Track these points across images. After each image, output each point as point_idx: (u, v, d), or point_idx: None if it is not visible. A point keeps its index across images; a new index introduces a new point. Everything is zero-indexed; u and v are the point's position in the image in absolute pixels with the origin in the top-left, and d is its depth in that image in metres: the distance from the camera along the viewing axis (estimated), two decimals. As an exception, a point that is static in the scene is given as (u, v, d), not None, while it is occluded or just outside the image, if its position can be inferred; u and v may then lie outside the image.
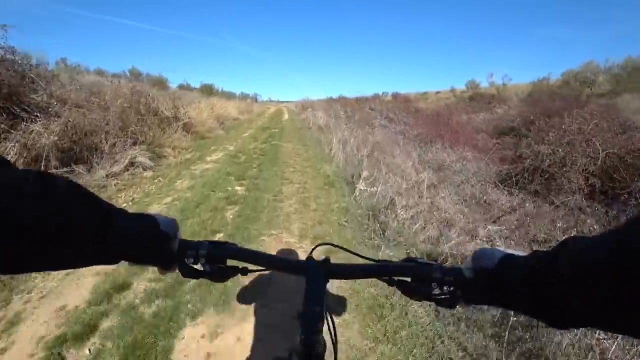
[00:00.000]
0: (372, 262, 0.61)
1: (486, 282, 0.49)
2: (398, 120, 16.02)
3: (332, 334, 0.57)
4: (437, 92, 50.57)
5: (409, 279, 0.57)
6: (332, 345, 0.57)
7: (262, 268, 0.61)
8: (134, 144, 6.62)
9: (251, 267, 0.61)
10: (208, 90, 35.46)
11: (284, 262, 0.61)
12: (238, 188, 4.67)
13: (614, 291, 0.29)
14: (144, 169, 6.16)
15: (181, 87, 39.66)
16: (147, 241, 0.51)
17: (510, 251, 0.49)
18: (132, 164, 6.17)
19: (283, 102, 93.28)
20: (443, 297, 0.54)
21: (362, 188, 3.98)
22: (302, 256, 1.85)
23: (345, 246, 0.73)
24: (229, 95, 43.43)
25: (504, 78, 38.05)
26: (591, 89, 24.75)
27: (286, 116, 21.70)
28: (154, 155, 6.78)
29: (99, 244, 0.42)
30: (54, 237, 0.36)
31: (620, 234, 0.30)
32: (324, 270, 0.57)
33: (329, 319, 0.56)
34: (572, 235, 0.49)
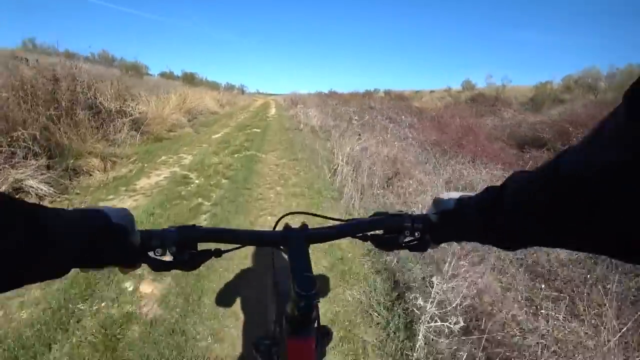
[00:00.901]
0: (345, 222, 0.61)
1: (448, 222, 0.55)
2: (401, 121, 13.87)
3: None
4: (432, 91, 48.85)
5: (380, 232, 0.60)
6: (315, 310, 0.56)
7: (238, 246, 0.58)
8: (32, 155, 4.25)
9: (225, 247, 0.58)
10: (189, 79, 32.68)
11: (261, 235, 0.60)
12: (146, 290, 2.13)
13: (550, 212, 0.33)
14: (39, 198, 3.83)
15: (163, 75, 36.68)
16: (100, 241, 0.43)
17: (465, 193, 0.55)
18: (18, 189, 3.84)
19: (271, 95, 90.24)
20: (414, 243, 0.59)
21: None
22: None
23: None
24: (214, 86, 40.58)
25: (503, 80, 36.54)
26: (596, 96, 23.36)
27: (273, 111, 19.28)
28: (65, 174, 4.42)
29: (39, 256, 0.34)
30: None
31: (555, 162, 0.33)
32: (304, 236, 0.57)
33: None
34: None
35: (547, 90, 29.24)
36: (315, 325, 0.55)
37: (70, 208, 0.42)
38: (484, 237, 0.48)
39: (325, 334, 0.67)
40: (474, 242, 0.52)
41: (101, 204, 0.93)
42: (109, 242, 0.45)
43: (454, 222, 0.54)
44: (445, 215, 0.55)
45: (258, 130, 9.76)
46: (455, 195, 0.56)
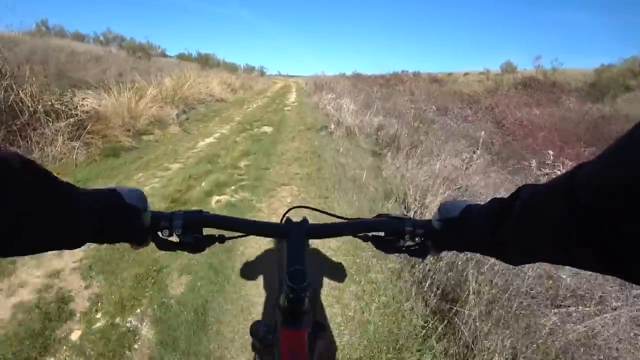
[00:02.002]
0: (347, 220, 0.61)
1: (452, 230, 0.52)
2: (456, 114, 10.72)
3: (316, 292, 0.50)
4: (466, 74, 44.36)
5: (382, 234, 0.58)
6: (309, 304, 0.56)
7: (241, 234, 0.60)
8: None
9: (229, 234, 0.60)
10: (204, 61, 29.90)
11: (262, 226, 0.60)
12: None
13: (562, 229, 0.31)
14: None
15: (181, 57, 34.06)
16: (113, 218, 0.46)
17: (472, 201, 0.53)
18: None
19: (292, 76, 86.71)
20: (415, 248, 0.58)
21: None
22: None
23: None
24: (232, 67, 37.69)
25: (553, 62, 32.00)
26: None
27: (292, 97, 16.33)
28: None
29: (61, 226, 0.38)
30: (6, 221, 0.31)
31: (570, 176, 0.31)
32: (303, 230, 0.58)
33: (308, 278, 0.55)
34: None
35: (611, 75, 24.81)
36: (309, 319, 0.55)
37: (90, 188, 0.46)
38: (488, 249, 0.47)
39: (320, 329, 0.62)
40: (477, 253, 0.50)
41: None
42: (121, 220, 0.48)
43: (457, 231, 0.52)
44: (449, 223, 0.53)
45: (268, 131, 6.88)
46: (461, 203, 0.53)
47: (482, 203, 0.50)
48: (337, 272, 2.07)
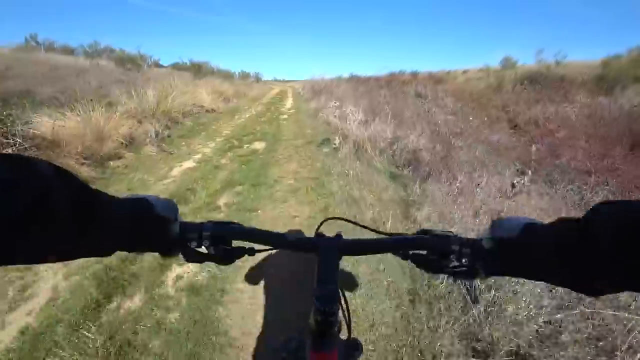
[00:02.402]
0: (385, 236, 0.57)
1: (508, 253, 0.46)
2: (472, 116, 9.72)
3: (346, 310, 0.56)
4: (465, 71, 43.40)
5: (424, 252, 0.54)
6: (345, 322, 0.56)
7: (270, 247, 0.56)
8: None
9: (258, 246, 0.56)
10: (197, 69, 28.89)
11: (293, 240, 0.56)
12: None
13: None
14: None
15: (175, 66, 33.11)
16: (143, 227, 0.46)
17: (531, 220, 0.46)
18: None
19: (289, 81, 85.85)
20: (461, 269, 0.51)
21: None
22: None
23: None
24: (226, 75, 36.69)
25: (556, 55, 30.91)
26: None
27: (289, 103, 15.27)
28: None
29: (88, 234, 0.37)
30: (34, 228, 0.31)
31: None
32: (336, 246, 0.54)
33: (342, 296, 0.54)
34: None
35: (620, 66, 23.71)
36: (344, 337, 0.52)
37: (122, 195, 0.45)
38: (557, 278, 0.41)
39: (353, 348, 0.61)
40: (541, 280, 0.44)
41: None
42: (151, 230, 0.47)
43: (516, 255, 0.45)
44: (505, 244, 0.46)
45: (260, 147, 5.81)
46: (519, 220, 0.46)
47: (543, 222, 0.44)
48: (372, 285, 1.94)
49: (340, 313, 0.51)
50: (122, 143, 5.65)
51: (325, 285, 0.49)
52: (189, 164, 4.80)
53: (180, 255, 0.53)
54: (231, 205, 3.18)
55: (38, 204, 0.31)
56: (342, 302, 0.55)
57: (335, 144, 4.88)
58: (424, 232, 0.56)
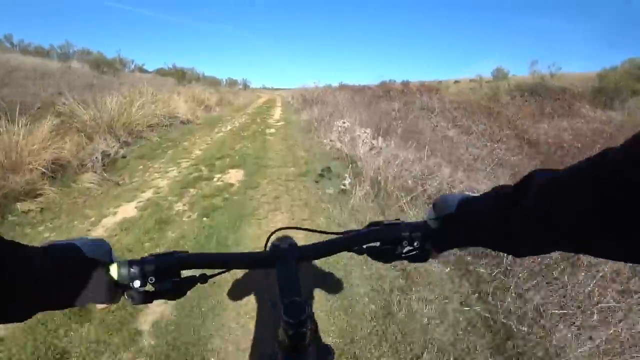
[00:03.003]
0: (338, 236, 0.57)
1: (451, 227, 0.48)
2: (500, 138, 8.43)
3: (312, 319, 0.49)
4: (456, 81, 42.75)
5: (377, 244, 0.55)
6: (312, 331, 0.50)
7: (224, 270, 0.53)
8: None
9: (211, 272, 0.53)
10: (180, 75, 27.18)
11: (247, 257, 0.58)
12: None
13: (584, 218, 0.29)
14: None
15: (159, 71, 31.25)
16: (72, 278, 0.39)
17: (466, 194, 0.49)
18: None
19: (277, 89, 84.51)
20: (414, 253, 0.53)
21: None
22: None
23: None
24: (212, 82, 35.07)
25: (551, 67, 30.30)
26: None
27: (277, 114, 13.74)
28: None
29: (11, 297, 0.32)
30: None
31: (595, 162, 0.30)
32: (293, 255, 0.52)
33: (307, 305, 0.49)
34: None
35: (616, 79, 22.99)
36: (312, 346, 0.49)
37: (41, 243, 0.40)
38: (494, 243, 0.43)
39: (325, 354, 0.58)
40: (482, 247, 0.46)
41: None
42: (81, 279, 0.41)
43: (457, 228, 0.47)
44: (446, 220, 0.49)
45: (236, 180, 4.26)
46: (456, 197, 0.49)
47: (478, 195, 0.46)
48: (330, 283, 1.92)
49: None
50: (44, 173, 4.04)
51: (290, 298, 0.46)
52: (128, 210, 3.23)
53: (124, 299, 0.48)
54: (161, 334, 1.64)
55: None
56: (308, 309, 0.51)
57: (344, 184, 3.35)
58: (375, 224, 0.56)
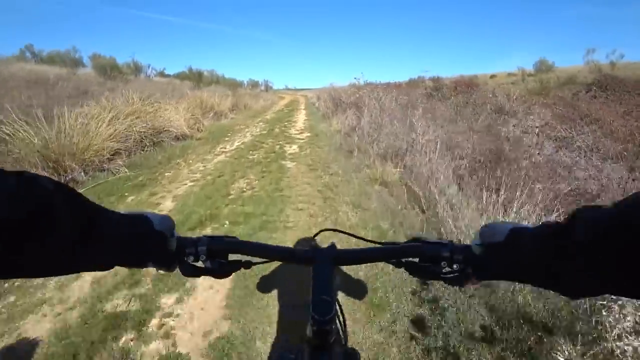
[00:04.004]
0: (378, 245, 0.57)
1: (496, 257, 0.46)
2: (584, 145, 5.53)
3: (341, 320, 0.57)
4: (492, 76, 38.85)
5: (417, 260, 0.53)
6: (341, 331, 0.56)
7: (266, 260, 0.56)
8: None
9: (255, 259, 0.57)
10: (197, 78, 25.23)
11: (288, 252, 0.57)
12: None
13: (627, 259, 0.29)
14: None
15: (180, 75, 29.53)
16: (141, 243, 0.46)
17: (517, 224, 0.46)
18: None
19: (301, 90, 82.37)
20: (452, 275, 0.51)
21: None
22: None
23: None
24: (232, 84, 33.12)
25: (609, 55, 26.18)
26: None
27: (300, 121, 11.18)
28: None
29: (88, 248, 0.38)
30: (34, 240, 0.32)
31: (627, 205, 0.30)
32: (331, 257, 0.54)
33: (338, 305, 0.53)
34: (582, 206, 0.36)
35: None
36: (339, 348, 0.52)
37: (120, 211, 0.45)
38: (541, 280, 0.41)
39: (351, 357, 0.59)
40: (527, 283, 0.45)
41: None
42: (148, 245, 0.47)
43: (503, 258, 0.44)
44: (492, 249, 0.46)
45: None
46: (506, 226, 0.46)
47: (530, 226, 0.44)
48: (357, 289, 1.97)
49: (337, 323, 0.51)
50: None
51: (321, 296, 0.47)
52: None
53: (178, 270, 0.52)
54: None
55: (39, 214, 0.32)
56: (338, 311, 0.54)
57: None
58: (416, 239, 0.55)
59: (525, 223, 0.48)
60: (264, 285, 1.97)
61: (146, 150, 5.99)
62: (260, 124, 10.38)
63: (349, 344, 0.59)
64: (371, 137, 5.06)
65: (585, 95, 16.72)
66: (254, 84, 44.41)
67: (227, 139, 7.60)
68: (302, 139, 7.19)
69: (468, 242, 0.55)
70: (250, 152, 5.96)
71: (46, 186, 0.34)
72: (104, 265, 0.41)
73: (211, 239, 0.53)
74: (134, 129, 6.06)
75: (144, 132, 6.20)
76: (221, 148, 6.44)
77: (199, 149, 6.35)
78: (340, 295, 0.93)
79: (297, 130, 8.60)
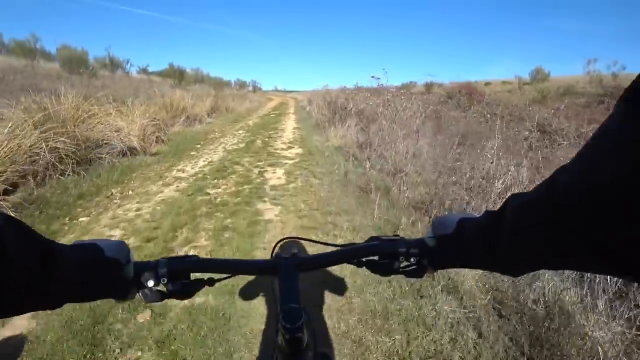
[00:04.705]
0: (338, 248, 0.57)
1: (447, 247, 0.49)
2: None
3: (310, 325, 0.52)
4: (487, 83, 37.86)
5: (376, 258, 0.55)
6: (311, 336, 0.52)
7: (230, 275, 0.56)
8: None
9: (218, 275, 0.56)
10: (178, 76, 23.08)
11: (251, 265, 0.58)
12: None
13: (549, 236, 0.30)
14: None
15: (162, 73, 27.22)
16: (95, 274, 0.42)
17: (465, 215, 0.49)
18: None
19: (290, 92, 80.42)
20: (410, 268, 0.54)
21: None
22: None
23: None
24: (218, 83, 30.95)
25: (611, 66, 25.26)
26: None
27: (290, 128, 9.37)
28: None
29: (39, 287, 0.34)
30: None
31: (548, 185, 0.31)
32: (295, 265, 0.53)
33: (305, 312, 0.50)
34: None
35: None
36: (312, 352, 0.50)
37: (71, 242, 0.43)
38: (487, 264, 0.43)
39: None
40: (477, 268, 0.47)
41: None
42: (103, 275, 0.44)
43: (453, 248, 0.47)
44: (443, 240, 0.49)
45: None
46: (455, 217, 0.49)
47: (477, 215, 0.47)
48: (336, 288, 1.89)
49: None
50: None
51: (289, 304, 0.47)
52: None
53: (139, 296, 0.49)
54: None
55: None
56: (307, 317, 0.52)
57: None
58: (374, 238, 0.56)
59: (474, 214, 0.49)
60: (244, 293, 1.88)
61: (67, 175, 4.10)
62: (241, 132, 8.55)
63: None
64: (395, 166, 3.29)
65: (597, 107, 15.47)
66: (242, 84, 42.20)
67: (192, 153, 5.76)
68: (291, 159, 5.38)
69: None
70: (216, 180, 4.12)
71: None
72: (55, 303, 0.38)
73: (170, 260, 0.50)
74: (49, 143, 4.17)
75: (64, 148, 4.30)
76: (178, 171, 4.58)
77: (147, 172, 4.49)
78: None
79: (285, 144, 6.78)
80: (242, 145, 6.59)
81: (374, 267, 0.55)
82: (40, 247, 0.34)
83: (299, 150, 6.01)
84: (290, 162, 5.14)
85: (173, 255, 0.52)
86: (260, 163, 5.03)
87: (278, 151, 5.98)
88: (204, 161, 5.17)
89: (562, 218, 0.28)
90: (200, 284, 0.52)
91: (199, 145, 6.55)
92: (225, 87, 33.22)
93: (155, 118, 7.23)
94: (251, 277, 1.70)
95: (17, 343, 1.60)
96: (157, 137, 6.45)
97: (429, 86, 25.99)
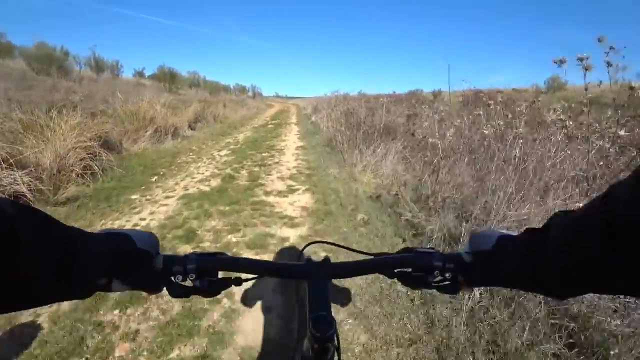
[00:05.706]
0: (371, 257, 0.54)
1: (485, 264, 0.45)
2: None
3: (336, 335, 0.49)
4: (499, 91, 35.56)
5: (409, 270, 0.51)
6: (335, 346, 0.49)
7: (257, 275, 0.52)
8: None
9: (245, 275, 0.52)
10: (169, 80, 20.74)
11: (281, 267, 0.53)
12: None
13: (603, 257, 0.28)
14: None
15: (156, 76, 24.89)
16: (124, 264, 0.40)
17: (504, 232, 0.46)
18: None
19: (292, 98, 78.33)
20: (445, 283, 0.49)
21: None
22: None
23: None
24: (215, 88, 28.75)
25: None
26: None
27: (291, 150, 7.06)
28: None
29: (64, 275, 0.32)
30: (4, 272, 0.27)
31: (604, 201, 0.29)
32: (325, 271, 0.50)
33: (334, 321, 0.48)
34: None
35: None
36: None
37: (98, 231, 0.42)
38: (526, 284, 0.40)
39: None
40: (515, 288, 0.46)
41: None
42: (132, 266, 0.42)
43: (491, 265, 0.44)
44: (481, 257, 0.45)
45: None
46: (494, 234, 0.45)
47: (516, 234, 0.44)
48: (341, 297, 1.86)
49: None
50: None
51: (320, 312, 0.44)
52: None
53: (164, 291, 0.47)
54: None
55: (2, 248, 0.26)
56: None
57: None
58: (408, 249, 0.53)
59: (512, 232, 0.46)
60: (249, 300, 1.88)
61: None
62: (223, 153, 6.21)
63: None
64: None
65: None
66: (241, 90, 39.90)
67: (134, 197, 3.43)
68: (293, 224, 3.01)
69: None
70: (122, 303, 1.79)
71: (6, 211, 0.28)
72: (85, 292, 0.37)
73: (200, 256, 0.48)
74: None
75: None
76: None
77: None
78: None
79: (283, 179, 4.42)
80: (217, 181, 4.23)
81: (406, 280, 0.51)
82: (61, 236, 0.33)
83: (307, 199, 3.63)
84: (293, 232, 2.78)
85: (202, 252, 0.49)
86: (235, 238, 2.68)
87: (271, 199, 3.61)
88: (141, 219, 2.82)
89: (622, 236, 0.26)
90: (227, 283, 0.50)
91: (153, 180, 4.21)
92: (223, 91, 30.95)
93: (98, 134, 4.91)
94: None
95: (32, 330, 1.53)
96: (84, 168, 4.10)
97: (436, 94, 23.76)
